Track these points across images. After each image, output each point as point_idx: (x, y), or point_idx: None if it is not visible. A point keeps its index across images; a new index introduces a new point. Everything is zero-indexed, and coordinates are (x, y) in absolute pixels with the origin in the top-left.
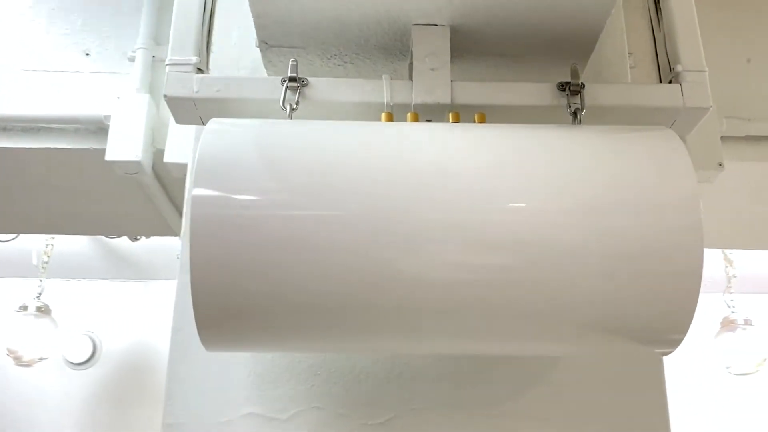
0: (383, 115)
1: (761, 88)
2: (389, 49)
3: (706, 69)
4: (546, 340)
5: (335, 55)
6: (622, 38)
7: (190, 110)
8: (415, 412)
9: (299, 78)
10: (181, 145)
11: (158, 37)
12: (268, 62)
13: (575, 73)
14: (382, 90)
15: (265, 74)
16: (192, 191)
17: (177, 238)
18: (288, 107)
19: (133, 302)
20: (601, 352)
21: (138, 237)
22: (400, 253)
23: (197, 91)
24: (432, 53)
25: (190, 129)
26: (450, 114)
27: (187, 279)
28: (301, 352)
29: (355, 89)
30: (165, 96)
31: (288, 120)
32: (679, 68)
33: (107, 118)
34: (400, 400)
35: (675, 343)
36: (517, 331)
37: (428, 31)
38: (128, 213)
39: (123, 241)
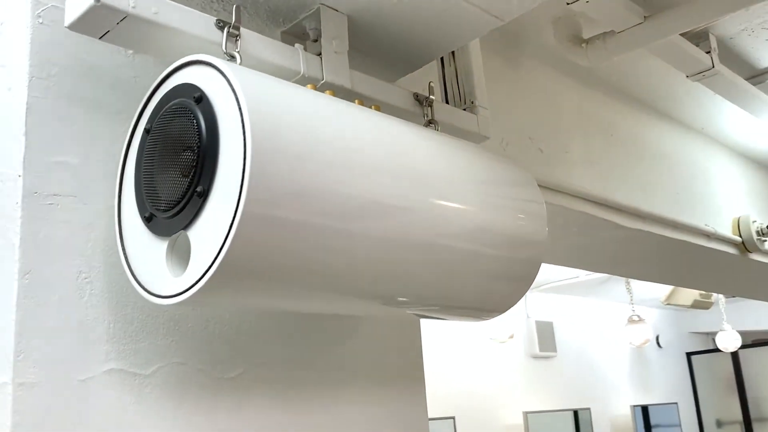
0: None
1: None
2: (275, 13)
3: (489, 107)
4: (414, 305)
5: (222, 0)
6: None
7: (105, 22)
8: (260, 366)
9: (240, 27)
10: None
11: None
12: None
13: (431, 89)
14: (299, 58)
15: None
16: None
17: None
18: (239, 57)
19: None
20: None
21: None
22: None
23: (134, 7)
24: (337, 37)
25: None
26: (356, 101)
27: (34, 213)
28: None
29: (278, 52)
30: (98, 1)
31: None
32: (476, 102)
33: None
34: (248, 355)
35: (498, 314)
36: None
37: (334, 15)
38: None
39: None
